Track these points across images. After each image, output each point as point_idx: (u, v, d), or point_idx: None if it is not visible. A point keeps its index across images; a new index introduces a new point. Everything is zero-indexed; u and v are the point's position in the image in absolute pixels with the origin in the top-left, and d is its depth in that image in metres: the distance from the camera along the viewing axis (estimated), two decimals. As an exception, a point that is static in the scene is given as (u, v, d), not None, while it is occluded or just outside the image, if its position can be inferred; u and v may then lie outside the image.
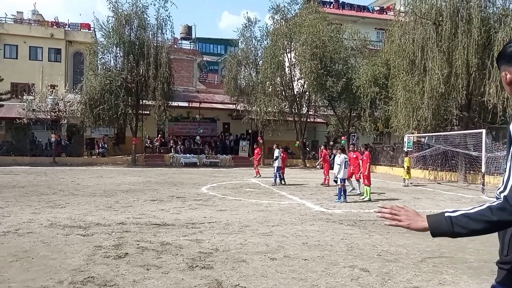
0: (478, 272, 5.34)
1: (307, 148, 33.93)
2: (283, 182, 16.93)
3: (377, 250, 6.40)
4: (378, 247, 6.60)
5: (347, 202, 11.78)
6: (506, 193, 1.48)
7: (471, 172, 19.45)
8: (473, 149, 18.05)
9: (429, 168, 22.71)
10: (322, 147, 19.77)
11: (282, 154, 17.13)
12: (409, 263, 5.65)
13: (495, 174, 17.52)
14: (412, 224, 1.67)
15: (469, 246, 6.59)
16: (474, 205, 1.61)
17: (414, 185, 17.80)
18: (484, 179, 15.37)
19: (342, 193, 11.92)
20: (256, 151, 21.54)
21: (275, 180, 16.78)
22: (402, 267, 5.46)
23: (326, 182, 16.76)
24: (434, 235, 1.62)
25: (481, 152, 15.95)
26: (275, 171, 16.95)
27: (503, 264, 1.63)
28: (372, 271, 5.28)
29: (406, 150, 20.00)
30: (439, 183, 19.63)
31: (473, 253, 6.28)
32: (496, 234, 1.67)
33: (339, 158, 12.33)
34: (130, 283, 4.59)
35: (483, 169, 15.67)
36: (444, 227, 1.58)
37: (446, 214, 1.59)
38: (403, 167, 19.34)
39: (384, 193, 14.68)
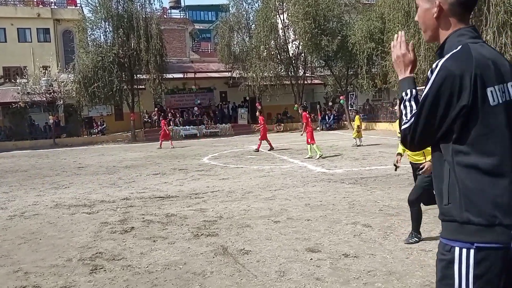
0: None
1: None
2: None
3: (378, 205, 6.49)
4: (380, 202, 6.69)
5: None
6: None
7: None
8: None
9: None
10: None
11: None
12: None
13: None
14: (395, 64, 1.76)
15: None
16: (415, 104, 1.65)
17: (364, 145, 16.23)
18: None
19: None
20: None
21: None
22: (403, 220, 5.53)
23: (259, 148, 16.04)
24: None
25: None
26: None
27: (445, 216, 1.54)
28: (374, 226, 5.37)
29: (356, 109, 19.32)
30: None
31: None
32: None
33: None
34: (138, 256, 4.69)
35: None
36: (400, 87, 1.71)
37: (408, 91, 1.68)
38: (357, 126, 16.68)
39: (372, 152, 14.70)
